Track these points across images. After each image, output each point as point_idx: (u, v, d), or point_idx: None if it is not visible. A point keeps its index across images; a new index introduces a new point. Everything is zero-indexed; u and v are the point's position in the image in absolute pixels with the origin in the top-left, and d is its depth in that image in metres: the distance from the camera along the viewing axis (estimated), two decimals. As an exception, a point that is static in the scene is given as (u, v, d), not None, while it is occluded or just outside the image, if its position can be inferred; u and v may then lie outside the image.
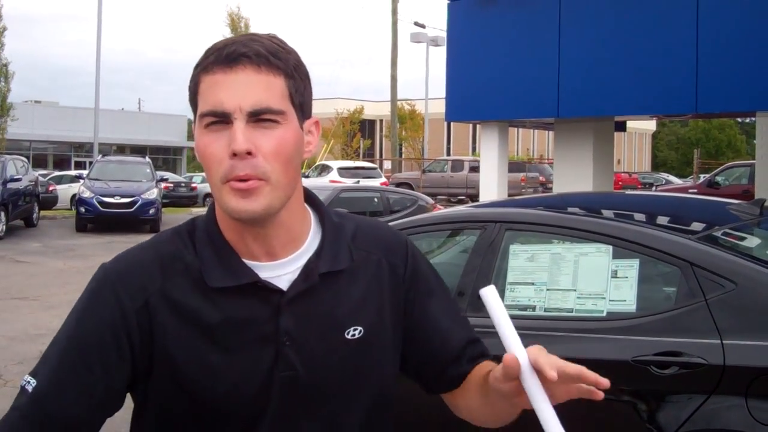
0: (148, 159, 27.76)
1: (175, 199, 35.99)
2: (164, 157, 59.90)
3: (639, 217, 4.47)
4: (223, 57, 1.51)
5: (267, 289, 1.59)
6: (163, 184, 30.17)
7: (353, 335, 1.64)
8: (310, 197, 1.73)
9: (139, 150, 50.51)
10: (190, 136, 71.09)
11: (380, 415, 1.71)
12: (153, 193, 24.40)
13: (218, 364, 1.56)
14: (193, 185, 39.07)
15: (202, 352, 1.56)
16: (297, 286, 1.60)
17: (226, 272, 1.58)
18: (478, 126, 14.06)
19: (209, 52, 1.55)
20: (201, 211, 33.65)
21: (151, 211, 24.14)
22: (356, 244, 1.72)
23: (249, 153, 1.48)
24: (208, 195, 39.71)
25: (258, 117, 1.50)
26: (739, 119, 69.76)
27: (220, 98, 1.50)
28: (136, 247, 1.68)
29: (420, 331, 1.76)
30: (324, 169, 36.07)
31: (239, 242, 1.61)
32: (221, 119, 1.50)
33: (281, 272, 1.61)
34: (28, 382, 1.56)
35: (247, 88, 1.50)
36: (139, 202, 23.82)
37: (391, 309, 1.72)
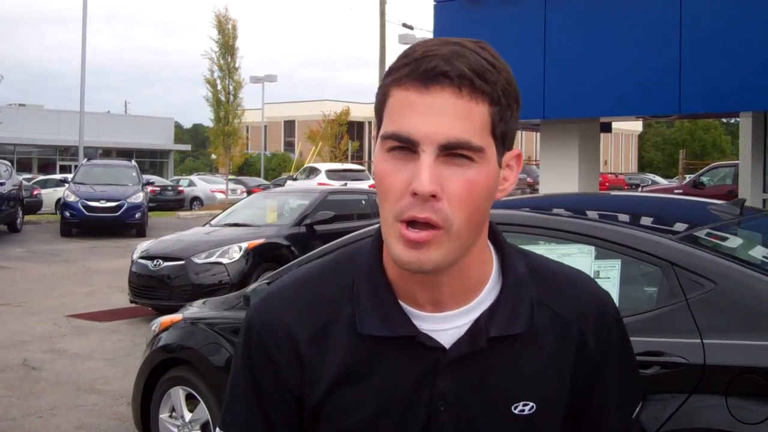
0: (134, 162, 27.69)
1: (161, 202, 35.93)
2: (151, 160, 59.70)
3: (622, 217, 4.48)
4: (419, 72, 1.26)
5: (426, 345, 1.38)
6: (149, 188, 30.18)
7: (522, 411, 1.41)
8: (495, 236, 1.46)
9: (125, 153, 50.32)
10: (177, 139, 71.07)
11: None
12: (139, 197, 24.37)
13: (368, 420, 1.40)
14: (180, 189, 39.01)
15: (349, 407, 1.40)
16: (461, 347, 1.38)
17: (382, 320, 1.38)
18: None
19: (405, 61, 1.30)
20: (187, 214, 33.67)
21: (137, 215, 24.11)
22: (543, 299, 1.45)
23: (433, 196, 1.24)
24: (195, 198, 39.67)
25: (451, 151, 1.25)
26: (724, 120, 70.06)
27: (409, 123, 1.25)
28: (286, 283, 1.49)
29: (571, 423, 1.51)
30: (312, 172, 36.11)
31: (403, 284, 1.39)
32: (406, 146, 1.26)
33: (446, 326, 1.39)
34: None
35: (442, 116, 1.24)
36: (125, 206, 23.78)
37: (570, 383, 1.46)
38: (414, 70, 1.27)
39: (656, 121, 55.20)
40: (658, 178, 50.79)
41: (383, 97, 1.31)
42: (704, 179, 26.71)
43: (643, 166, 79.80)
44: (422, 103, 1.25)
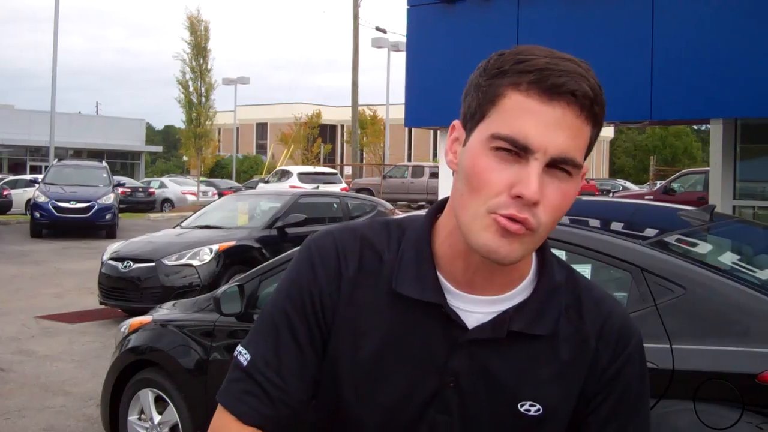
0: (104, 163, 27.50)
1: (132, 204, 35.73)
2: (122, 161, 59.33)
3: (593, 222, 4.50)
4: (547, 84, 1.30)
5: (450, 318, 1.44)
6: (120, 189, 29.98)
7: (528, 411, 1.46)
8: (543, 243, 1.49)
9: (96, 154, 49.94)
10: (149, 140, 70.72)
11: None
12: (110, 198, 24.22)
13: (379, 372, 1.47)
14: (151, 190, 38.79)
15: (367, 356, 1.48)
16: (483, 331, 1.44)
17: (416, 283, 1.45)
18: (438, 132, 14.10)
19: (528, 66, 1.32)
20: (158, 216, 33.50)
21: (108, 216, 23.96)
22: (569, 313, 1.49)
23: (536, 203, 1.30)
24: (166, 200, 39.46)
25: (557, 164, 1.31)
26: (695, 126, 70.61)
27: (528, 130, 1.29)
28: (348, 226, 1.57)
29: None
30: (284, 175, 36.03)
31: (448, 261, 1.46)
32: (516, 150, 1.30)
33: (474, 309, 1.46)
34: (240, 352, 1.53)
35: (560, 130, 1.30)
36: (96, 207, 23.63)
37: (577, 396, 1.50)
38: (540, 80, 1.30)
39: (627, 128, 55.54)
40: (629, 184, 51.01)
41: (495, 96, 1.34)
42: (675, 186, 26.93)
43: (615, 172, 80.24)
44: (544, 114, 1.29)
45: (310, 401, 1.53)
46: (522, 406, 1.46)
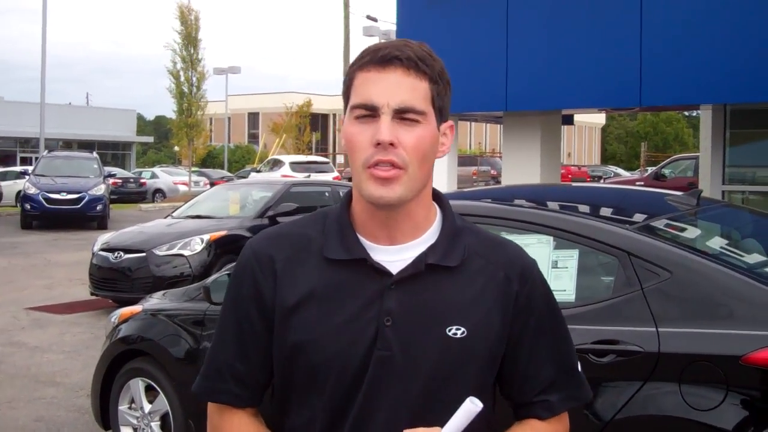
0: (95, 154, 27.42)
1: (123, 195, 35.64)
2: (113, 152, 59.09)
3: (581, 208, 4.51)
4: (378, 58, 1.69)
5: (377, 269, 1.73)
6: (111, 180, 29.89)
7: (455, 333, 1.73)
8: (440, 199, 1.85)
9: (86, 145, 49.69)
10: (140, 131, 70.49)
11: None
12: (100, 189, 24.16)
13: (326, 330, 1.72)
14: (142, 181, 38.72)
15: (313, 317, 1.73)
16: (405, 271, 1.73)
17: (342, 246, 1.75)
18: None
19: (366, 53, 1.73)
20: (149, 207, 33.46)
21: (99, 207, 23.90)
22: (478, 250, 1.80)
23: (392, 144, 1.64)
24: (157, 191, 39.40)
25: (402, 115, 1.66)
26: (686, 113, 70.74)
27: (371, 93, 1.66)
28: (277, 226, 1.90)
29: (508, 363, 1.82)
30: (276, 164, 35.98)
31: (365, 224, 1.77)
32: (370, 113, 1.66)
33: (396, 258, 1.74)
34: (209, 347, 1.87)
35: (395, 88, 1.66)
36: (86, 199, 23.57)
37: (498, 320, 1.78)
38: (374, 57, 1.69)
39: (619, 114, 55.60)
40: (620, 171, 51.12)
41: (349, 81, 1.73)
42: (666, 171, 26.99)
43: (606, 158, 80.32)
44: (381, 79, 1.67)
45: (272, 374, 1.83)
46: (449, 330, 1.72)
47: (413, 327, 1.71)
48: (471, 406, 1.61)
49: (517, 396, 1.85)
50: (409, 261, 1.73)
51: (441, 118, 1.74)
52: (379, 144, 1.64)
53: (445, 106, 1.76)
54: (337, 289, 1.74)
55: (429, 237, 1.77)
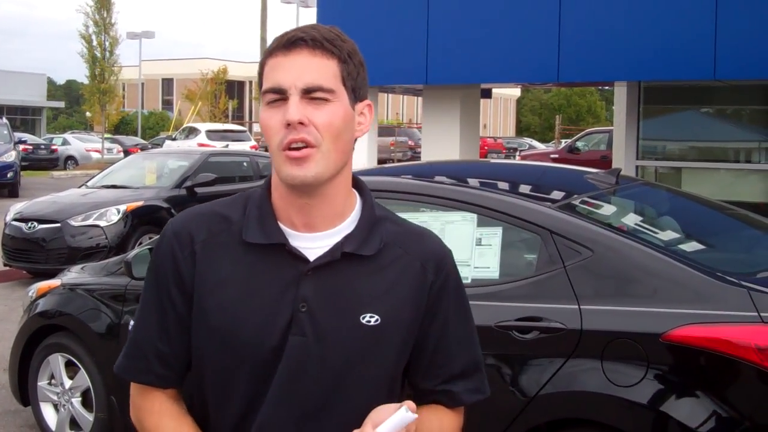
0: (4, 120, 26.64)
1: (34, 161, 34.70)
2: (22, 117, 57.52)
3: (502, 185, 4.57)
4: (284, 42, 1.72)
5: (294, 255, 1.76)
6: (21, 147, 29.11)
7: (368, 321, 1.76)
8: (360, 188, 1.88)
9: (-5, 110, 48.36)
10: (51, 96, 68.80)
11: (384, 396, 1.79)
12: (11, 156, 23.54)
13: (243, 313, 1.75)
14: (54, 147, 37.76)
15: (230, 299, 1.76)
16: (321, 258, 1.76)
17: (261, 231, 1.77)
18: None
19: (274, 40, 1.77)
20: (62, 174, 32.75)
21: (9, 174, 23.29)
22: (393, 239, 1.83)
23: (301, 123, 1.67)
24: (69, 158, 38.53)
25: (311, 94, 1.69)
26: (599, 87, 71.82)
27: (278, 77, 1.70)
28: (198, 206, 1.91)
29: (417, 350, 1.86)
30: (191, 132, 35.45)
31: (284, 210, 1.79)
32: (280, 96, 1.70)
33: (313, 245, 1.77)
34: (131, 327, 1.90)
35: (302, 69, 1.69)
36: (-4, 166, 22.92)
37: (412, 309, 1.82)
38: (280, 42, 1.73)
39: (534, 87, 56.26)
40: (535, 143, 51.61)
41: (261, 68, 1.76)
42: (579, 144, 27.41)
43: (521, 130, 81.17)
44: (287, 62, 1.70)
45: (190, 353, 1.85)
46: (363, 317, 1.76)
47: (328, 313, 1.75)
48: (406, 415, 1.63)
49: (421, 383, 1.89)
50: (327, 249, 1.76)
51: (356, 97, 1.77)
52: (289, 124, 1.67)
53: (360, 86, 1.78)
54: (255, 273, 1.77)
55: (347, 226, 1.80)
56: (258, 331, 1.74)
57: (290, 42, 1.71)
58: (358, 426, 1.68)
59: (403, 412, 1.63)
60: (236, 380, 1.77)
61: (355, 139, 1.81)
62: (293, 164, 1.68)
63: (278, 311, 1.74)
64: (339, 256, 1.75)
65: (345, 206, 1.81)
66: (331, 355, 1.75)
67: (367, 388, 1.77)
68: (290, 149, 1.68)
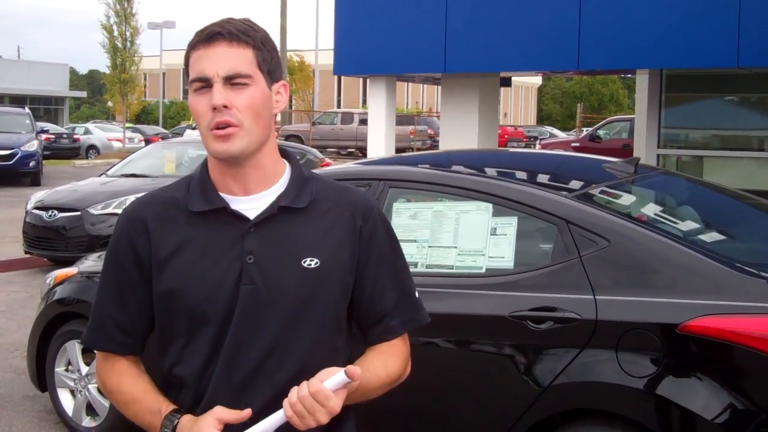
0: (27, 109, 26.77)
1: (56, 150, 34.90)
2: (45, 107, 57.79)
3: (519, 175, 4.54)
4: (204, 36, 1.96)
5: (236, 215, 2.00)
6: (43, 136, 29.24)
7: (309, 264, 2.00)
8: (287, 154, 2.15)
9: (18, 100, 48.51)
10: (73, 86, 69.03)
11: (331, 334, 2.06)
12: (33, 145, 23.65)
13: (196, 274, 1.98)
14: (76, 137, 37.94)
15: (184, 264, 1.99)
16: (261, 215, 2.00)
17: (204, 200, 2.02)
18: (368, 79, 14.03)
19: (195, 35, 1.99)
20: (83, 163, 32.91)
21: (32, 163, 23.42)
22: (322, 194, 2.08)
23: (225, 106, 1.92)
24: (91, 147, 38.71)
25: (232, 80, 1.94)
26: (621, 75, 71.35)
27: (202, 67, 1.95)
28: (149, 192, 2.14)
29: (356, 291, 2.10)
30: (212, 121, 35.45)
31: (222, 180, 2.04)
32: (205, 84, 1.94)
33: (252, 206, 2.02)
34: (94, 303, 2.14)
35: (222, 59, 1.94)
36: (19, 155, 23.06)
37: (347, 253, 2.06)
38: (201, 37, 1.97)
39: (555, 75, 55.94)
40: (556, 131, 51.38)
41: (186, 60, 2.00)
42: (601, 133, 27.22)
43: (542, 118, 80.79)
44: (209, 54, 1.95)
45: (152, 324, 2.09)
46: (304, 261, 2.00)
47: (273, 261, 1.98)
48: (344, 378, 1.83)
49: (364, 322, 2.13)
50: (264, 207, 2.01)
51: (272, 79, 2.02)
52: (215, 108, 1.92)
53: (274, 69, 2.02)
54: (203, 238, 2.01)
55: (279, 186, 2.05)
56: (212, 286, 1.97)
57: (210, 36, 1.95)
58: (311, 365, 1.94)
59: (342, 375, 1.83)
60: (195, 336, 2.00)
61: (275, 114, 2.07)
62: (220, 141, 1.94)
63: (228, 266, 1.98)
64: (276, 210, 2.00)
65: (275, 171, 2.07)
66: (280, 298, 1.98)
67: (315, 326, 2.01)
68: (217, 128, 1.93)
